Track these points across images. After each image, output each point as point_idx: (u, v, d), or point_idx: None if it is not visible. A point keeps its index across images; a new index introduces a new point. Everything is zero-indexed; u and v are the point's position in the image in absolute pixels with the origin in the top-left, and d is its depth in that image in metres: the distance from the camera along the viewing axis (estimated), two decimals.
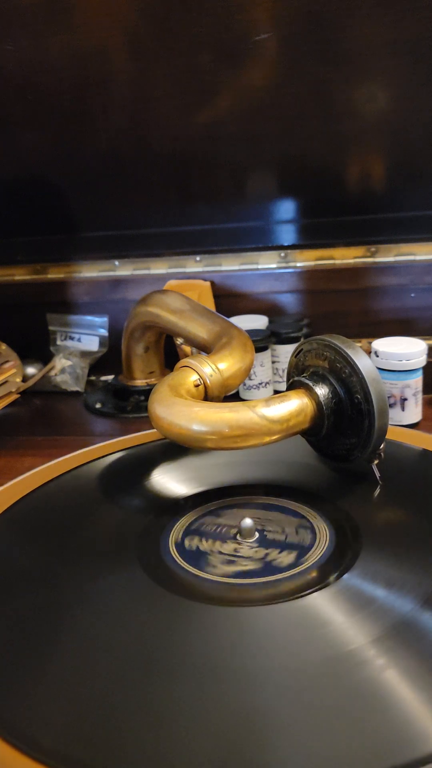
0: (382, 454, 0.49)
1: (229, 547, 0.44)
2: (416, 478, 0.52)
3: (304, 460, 0.54)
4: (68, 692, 0.32)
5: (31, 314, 0.89)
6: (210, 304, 0.82)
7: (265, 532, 0.45)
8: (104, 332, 0.87)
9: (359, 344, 0.76)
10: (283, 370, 0.74)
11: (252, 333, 0.71)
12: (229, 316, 0.68)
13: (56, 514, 0.49)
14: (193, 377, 0.52)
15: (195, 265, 0.85)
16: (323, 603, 0.37)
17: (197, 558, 0.43)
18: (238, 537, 0.45)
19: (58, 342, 0.89)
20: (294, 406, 0.47)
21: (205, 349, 0.61)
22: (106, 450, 0.59)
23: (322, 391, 0.48)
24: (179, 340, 0.65)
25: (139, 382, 0.75)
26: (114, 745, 0.29)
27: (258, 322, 0.77)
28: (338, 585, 0.39)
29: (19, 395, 0.79)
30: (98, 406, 0.76)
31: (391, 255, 0.80)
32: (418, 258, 0.79)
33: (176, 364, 0.55)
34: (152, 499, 0.51)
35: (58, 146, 0.80)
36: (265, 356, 0.73)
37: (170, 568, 0.42)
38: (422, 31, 0.66)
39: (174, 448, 0.57)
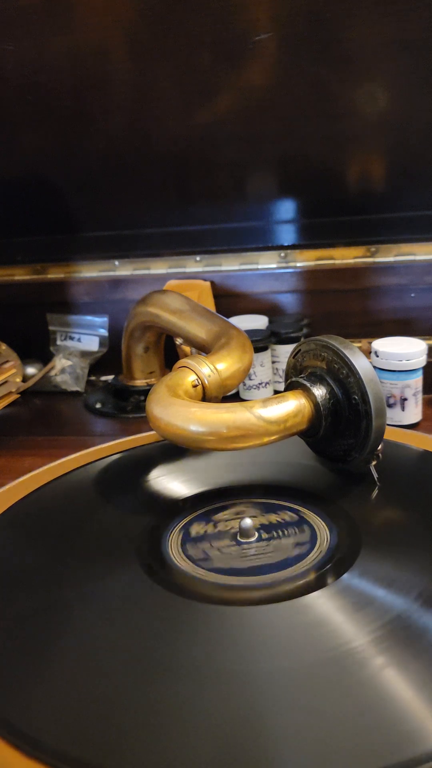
0: (380, 455, 0.49)
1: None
2: (416, 478, 0.52)
3: (303, 460, 0.54)
4: (68, 692, 0.32)
5: (31, 314, 0.89)
6: (210, 304, 0.83)
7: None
8: (104, 332, 0.87)
9: (359, 344, 0.76)
10: (283, 370, 0.74)
11: (252, 333, 0.71)
12: (229, 316, 0.68)
13: (56, 514, 0.49)
14: (191, 377, 0.52)
15: (195, 265, 0.85)
16: (322, 603, 0.38)
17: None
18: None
19: (58, 342, 0.89)
20: (291, 407, 0.47)
21: (204, 349, 0.61)
22: (106, 452, 0.59)
23: (319, 392, 0.48)
24: (179, 340, 0.65)
25: (139, 382, 0.75)
26: (114, 745, 0.29)
27: (258, 322, 0.77)
28: (337, 585, 0.39)
29: (19, 395, 0.79)
30: (98, 406, 0.76)
31: (391, 255, 0.80)
32: (418, 258, 0.79)
33: (175, 364, 0.55)
34: (152, 499, 0.52)
35: (58, 146, 0.80)
36: (265, 356, 0.73)
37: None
38: (422, 31, 0.65)
39: (173, 449, 0.57)
